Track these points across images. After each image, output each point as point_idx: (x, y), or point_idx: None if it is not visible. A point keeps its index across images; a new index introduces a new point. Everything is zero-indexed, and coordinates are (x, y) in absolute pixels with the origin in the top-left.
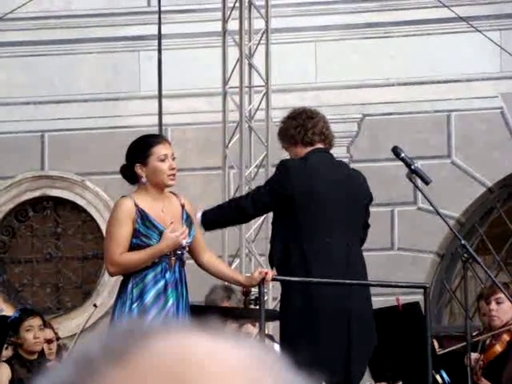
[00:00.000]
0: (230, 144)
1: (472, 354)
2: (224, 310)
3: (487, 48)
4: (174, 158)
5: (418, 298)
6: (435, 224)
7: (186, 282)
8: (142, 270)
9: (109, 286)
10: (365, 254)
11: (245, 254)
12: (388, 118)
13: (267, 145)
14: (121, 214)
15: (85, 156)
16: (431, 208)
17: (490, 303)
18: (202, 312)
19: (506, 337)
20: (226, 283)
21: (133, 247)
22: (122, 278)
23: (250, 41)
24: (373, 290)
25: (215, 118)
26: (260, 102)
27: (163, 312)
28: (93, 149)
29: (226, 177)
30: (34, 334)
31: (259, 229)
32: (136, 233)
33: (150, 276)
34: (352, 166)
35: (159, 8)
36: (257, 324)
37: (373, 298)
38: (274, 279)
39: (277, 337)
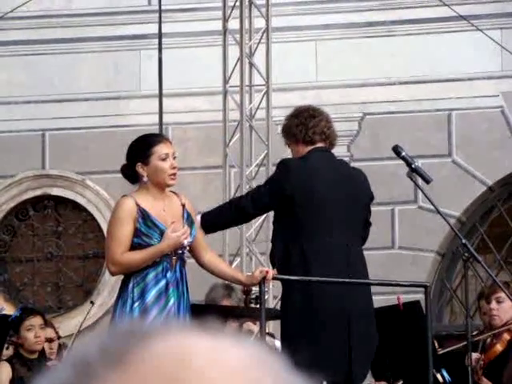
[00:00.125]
0: (231, 143)
1: (473, 353)
2: (224, 309)
3: (488, 47)
4: (175, 157)
5: (419, 296)
6: (436, 223)
7: (186, 282)
8: (143, 270)
9: (109, 285)
10: (365, 252)
11: (245, 253)
12: (389, 116)
13: (268, 144)
14: (122, 213)
15: (85, 155)
16: (432, 207)
17: (491, 302)
18: (202, 311)
19: (506, 336)
20: (227, 282)
21: (134, 247)
22: (122, 277)
23: (250, 40)
24: (373, 288)
25: (216, 116)
26: (260, 101)
27: (164, 311)
28: (93, 148)
29: (226, 176)
30: (34, 333)
31: (260, 228)
32: (137, 232)
33: (151, 275)
34: (352, 164)
35: (160, 7)
36: (257, 322)
37: (373, 297)
38: (274, 278)
39: (278, 335)
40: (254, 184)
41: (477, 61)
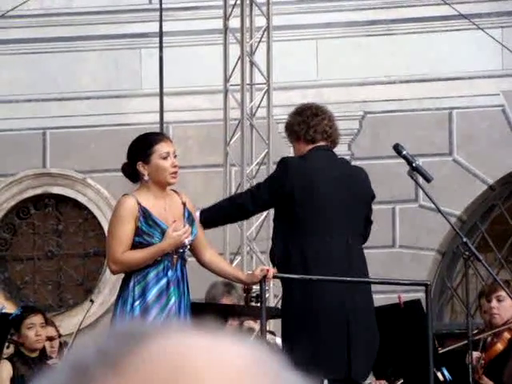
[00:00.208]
0: (232, 141)
1: (473, 352)
2: (225, 307)
3: (489, 45)
4: (175, 156)
5: (420, 295)
6: (436, 222)
7: (187, 281)
8: (144, 268)
9: (110, 283)
10: (366, 251)
11: (246, 252)
12: (389, 115)
13: (268, 142)
14: (123, 212)
15: (86, 153)
16: (432, 206)
17: (491, 301)
18: (203, 310)
19: (506, 335)
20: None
21: (135, 245)
22: (123, 275)
23: (251, 38)
24: (374, 287)
25: (216, 115)
26: (261, 100)
27: (165, 311)
28: (94, 146)
29: (227, 174)
30: (35, 331)
31: (260, 226)
32: (138, 231)
33: (152, 274)
34: (353, 163)
35: (160, 5)
36: (258, 320)
37: (374, 296)
38: (275, 277)
39: (279, 333)
40: (255, 182)
41: (477, 59)
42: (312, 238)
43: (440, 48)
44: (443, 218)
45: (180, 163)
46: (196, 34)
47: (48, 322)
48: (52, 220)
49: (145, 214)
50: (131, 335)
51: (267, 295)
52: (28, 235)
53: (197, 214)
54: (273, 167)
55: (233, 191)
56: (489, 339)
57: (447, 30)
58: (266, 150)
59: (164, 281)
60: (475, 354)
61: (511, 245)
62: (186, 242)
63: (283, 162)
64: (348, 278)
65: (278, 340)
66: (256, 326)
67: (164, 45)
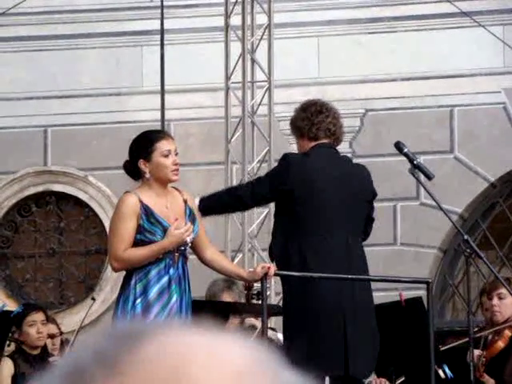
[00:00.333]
0: (233, 139)
1: (474, 350)
2: (226, 305)
3: (490, 43)
4: (177, 154)
5: (421, 293)
6: (438, 219)
7: (188, 278)
8: (146, 266)
9: (111, 280)
10: (367, 249)
11: (247, 249)
12: (391, 113)
13: (270, 140)
14: (125, 209)
15: (87, 151)
16: (434, 203)
17: (492, 298)
18: (204, 307)
19: (508, 332)
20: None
21: (136, 243)
22: (124, 273)
23: (252, 36)
24: (375, 285)
25: (218, 113)
26: (262, 97)
27: (167, 308)
28: (95, 144)
29: (228, 172)
30: (36, 328)
31: (262, 224)
32: (140, 229)
33: (154, 272)
34: (354, 161)
35: (162, 3)
36: (259, 318)
37: (376, 293)
38: (276, 274)
39: (280, 330)
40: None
41: (479, 57)
42: (312, 236)
43: (441, 45)
44: (444, 215)
45: (181, 161)
46: (197, 32)
47: (49, 320)
48: (53, 218)
49: (147, 211)
50: (129, 336)
51: (268, 293)
52: (29, 233)
53: (196, 201)
54: (274, 165)
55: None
56: (490, 337)
57: (448, 28)
58: (267, 148)
59: (165, 279)
60: (476, 352)
61: None
62: (188, 239)
63: (285, 159)
64: (349, 276)
65: (280, 335)
66: (257, 323)
67: (165, 42)
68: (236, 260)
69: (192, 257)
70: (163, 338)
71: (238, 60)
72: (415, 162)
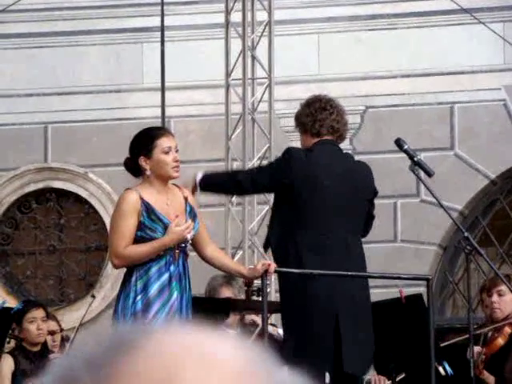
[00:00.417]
0: (233, 136)
1: (474, 347)
2: (227, 301)
3: (490, 40)
4: (177, 151)
5: (421, 290)
6: (438, 216)
7: (189, 275)
8: (146, 263)
9: (112, 277)
10: (368, 246)
11: (247, 246)
12: (391, 110)
13: (270, 137)
14: (126, 206)
15: (88, 148)
16: (434, 200)
17: (492, 295)
18: (204, 304)
19: (507, 329)
20: None
21: (137, 240)
22: (125, 270)
23: (252, 33)
24: (376, 281)
25: (218, 110)
26: (263, 94)
27: (167, 305)
28: (96, 141)
29: (228, 169)
30: (37, 325)
31: (262, 221)
32: (141, 225)
33: (154, 269)
34: (355, 158)
35: (162, 0)
36: (260, 314)
37: (376, 290)
38: (276, 271)
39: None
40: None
41: (479, 54)
42: (310, 232)
43: (441, 42)
44: (445, 212)
45: (181, 158)
46: (197, 29)
47: (49, 317)
48: (54, 214)
49: (147, 208)
50: (120, 345)
51: (269, 289)
52: (30, 230)
53: (198, 176)
54: None
55: None
56: (490, 334)
57: (449, 25)
58: (268, 145)
59: (166, 276)
60: (476, 349)
61: None
62: (188, 236)
63: (288, 153)
64: (349, 273)
65: (281, 331)
66: (258, 319)
67: (165, 39)
68: (236, 257)
69: (192, 254)
70: (153, 347)
71: (239, 57)
72: (415, 159)
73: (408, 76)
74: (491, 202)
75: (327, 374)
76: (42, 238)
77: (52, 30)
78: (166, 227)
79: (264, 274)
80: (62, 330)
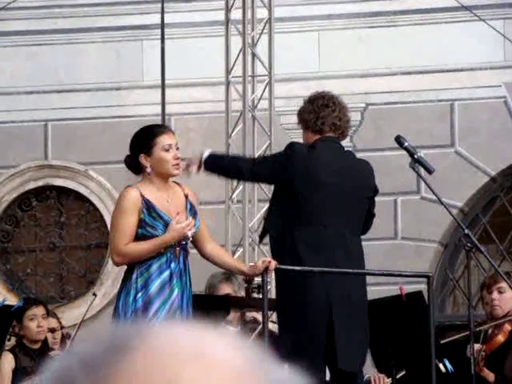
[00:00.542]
0: (233, 133)
1: (474, 344)
2: (227, 299)
3: (490, 37)
4: (177, 148)
5: (422, 287)
6: (438, 213)
7: (189, 273)
8: (147, 260)
9: (112, 275)
10: (368, 243)
11: (248, 244)
12: (391, 107)
13: (270, 134)
14: (126, 203)
15: (88, 145)
16: (434, 197)
17: (492, 292)
18: (205, 302)
19: (507, 326)
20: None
21: (138, 237)
22: (125, 267)
23: (253, 30)
24: (376, 279)
25: (218, 107)
26: (263, 92)
27: (168, 303)
28: (96, 138)
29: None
30: (37, 322)
31: (262, 218)
32: (141, 223)
33: (155, 266)
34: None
35: None
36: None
37: (376, 287)
38: (276, 269)
39: None
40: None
41: (479, 51)
42: (308, 227)
43: (442, 40)
44: (445, 209)
45: (182, 155)
46: (198, 26)
47: (50, 314)
48: (54, 212)
49: (148, 205)
50: (118, 344)
51: (269, 287)
52: (30, 227)
53: (204, 154)
54: None
55: (235, 183)
56: (490, 331)
57: (449, 22)
58: (268, 142)
59: (167, 273)
60: (476, 346)
61: None
62: (189, 234)
63: (291, 147)
64: (349, 270)
65: None
66: (259, 316)
67: (165, 36)
68: (237, 254)
69: (193, 251)
70: (153, 347)
71: (239, 54)
72: (416, 156)
73: (408, 73)
74: (491, 199)
75: (327, 372)
76: (43, 236)
77: (52, 28)
78: (166, 225)
79: (264, 272)
80: (62, 327)
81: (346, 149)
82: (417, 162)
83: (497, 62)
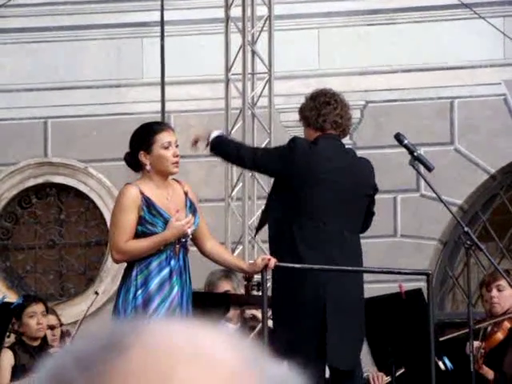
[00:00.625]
0: (233, 131)
1: (474, 342)
2: (227, 296)
3: (490, 35)
4: (177, 146)
5: (421, 284)
6: (438, 211)
7: (189, 270)
8: (147, 258)
9: (112, 272)
10: (368, 240)
11: (248, 241)
12: (391, 104)
13: (270, 132)
14: (126, 201)
15: (88, 143)
16: (434, 195)
17: (491, 290)
18: (204, 299)
19: (507, 324)
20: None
21: (138, 234)
22: (125, 264)
23: (252, 27)
24: (375, 276)
25: (218, 104)
26: (263, 89)
27: (168, 300)
28: (96, 136)
29: (228, 164)
30: (36, 319)
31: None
32: (141, 220)
33: (155, 263)
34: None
35: None
36: (260, 309)
37: (375, 285)
38: (276, 266)
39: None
40: (256, 172)
41: (479, 49)
42: (307, 224)
43: (441, 37)
44: (445, 207)
45: (181, 153)
46: (197, 23)
47: (49, 311)
48: (54, 209)
49: (148, 203)
50: (113, 342)
51: (268, 284)
52: (30, 224)
53: (213, 134)
54: None
55: (234, 180)
56: (489, 328)
57: (449, 19)
58: (268, 140)
59: (166, 270)
60: (475, 344)
61: None
62: (189, 231)
63: (294, 141)
64: (349, 268)
65: None
66: (258, 313)
67: (165, 34)
68: (236, 252)
69: (192, 249)
70: (148, 345)
71: (238, 52)
72: (415, 154)
73: (408, 71)
74: (491, 196)
75: (327, 369)
76: (42, 233)
77: (52, 25)
78: (166, 222)
79: (264, 269)
80: (61, 324)
81: (347, 147)
82: (416, 160)
83: (497, 59)
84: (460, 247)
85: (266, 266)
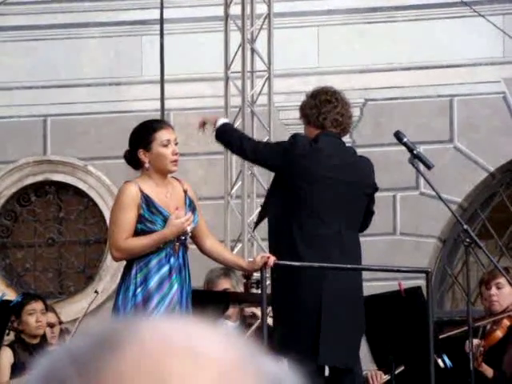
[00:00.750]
0: None
1: (473, 340)
2: (226, 294)
3: (490, 33)
4: (176, 143)
5: (420, 282)
6: (437, 209)
7: (188, 268)
8: (146, 256)
9: (111, 270)
10: (367, 238)
11: (247, 239)
12: (391, 102)
13: (269, 129)
14: (125, 199)
15: (87, 141)
16: (433, 193)
17: (491, 288)
18: (204, 297)
19: (506, 322)
20: None
21: (137, 232)
22: (125, 262)
23: (252, 25)
24: (375, 274)
25: (217, 102)
26: (262, 87)
27: (167, 298)
28: (95, 133)
29: (228, 161)
30: (36, 317)
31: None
32: (141, 218)
33: (154, 261)
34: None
35: None
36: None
37: (375, 283)
38: (275, 264)
39: None
40: (256, 170)
41: (479, 47)
42: (306, 221)
43: (441, 35)
44: (444, 205)
45: (181, 151)
46: (197, 21)
47: (48, 309)
48: (53, 207)
49: (147, 201)
50: (107, 340)
51: (268, 282)
52: (29, 222)
53: (220, 121)
54: None
55: (234, 178)
56: (488, 326)
57: (448, 18)
58: (267, 137)
59: (166, 268)
60: (475, 342)
61: None
62: (188, 229)
63: (294, 138)
64: (348, 266)
65: None
66: (258, 311)
67: (165, 32)
68: (236, 250)
69: (192, 247)
70: (142, 342)
71: (238, 50)
72: (415, 152)
73: (407, 69)
74: (490, 194)
75: (327, 368)
76: (42, 231)
77: (51, 23)
78: (165, 220)
79: (263, 267)
80: (61, 322)
81: (347, 145)
82: (416, 158)
83: (496, 57)
84: (459, 245)
85: (265, 264)
